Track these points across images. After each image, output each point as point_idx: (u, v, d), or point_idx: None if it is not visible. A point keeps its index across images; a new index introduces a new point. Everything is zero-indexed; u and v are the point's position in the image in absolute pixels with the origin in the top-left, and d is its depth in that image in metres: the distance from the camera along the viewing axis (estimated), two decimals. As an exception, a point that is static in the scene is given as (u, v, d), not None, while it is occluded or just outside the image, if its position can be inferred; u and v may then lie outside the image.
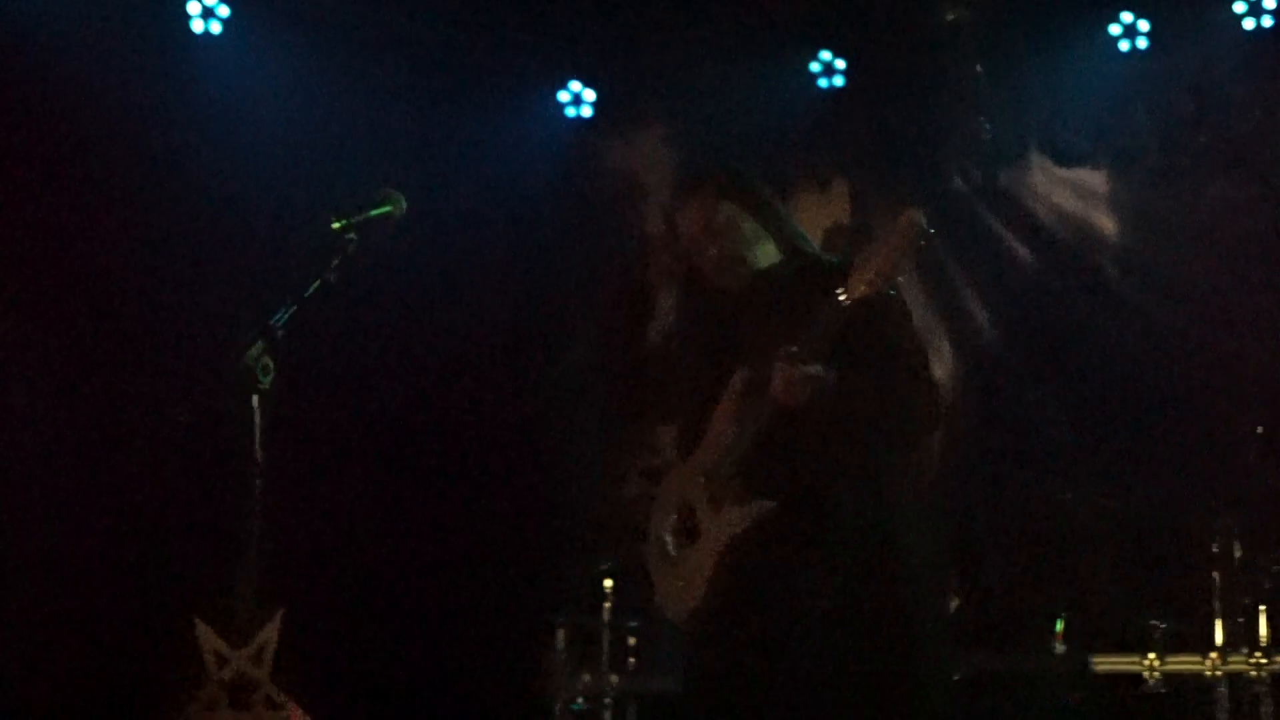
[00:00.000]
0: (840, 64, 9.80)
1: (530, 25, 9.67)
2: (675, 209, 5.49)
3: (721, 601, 5.11)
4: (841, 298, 4.81)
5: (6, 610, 8.34)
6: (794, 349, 4.89)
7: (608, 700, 8.04)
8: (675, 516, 5.30)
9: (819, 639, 4.99)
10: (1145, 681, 6.87)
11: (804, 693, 5.03)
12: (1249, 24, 9.14)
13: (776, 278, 5.30)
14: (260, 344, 4.83)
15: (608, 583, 8.06)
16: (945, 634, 7.12)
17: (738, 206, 5.34)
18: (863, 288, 4.78)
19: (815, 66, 9.81)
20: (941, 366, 9.08)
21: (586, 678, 8.01)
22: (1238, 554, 7.12)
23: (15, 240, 8.53)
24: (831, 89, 9.84)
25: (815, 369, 4.89)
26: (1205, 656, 6.80)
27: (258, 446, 4.84)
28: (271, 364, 4.82)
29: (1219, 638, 6.84)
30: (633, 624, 8.07)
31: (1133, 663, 6.93)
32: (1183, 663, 6.86)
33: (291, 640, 5.46)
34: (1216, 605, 6.89)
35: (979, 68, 9.41)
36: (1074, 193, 9.50)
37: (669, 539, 5.32)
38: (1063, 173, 9.55)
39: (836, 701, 4.99)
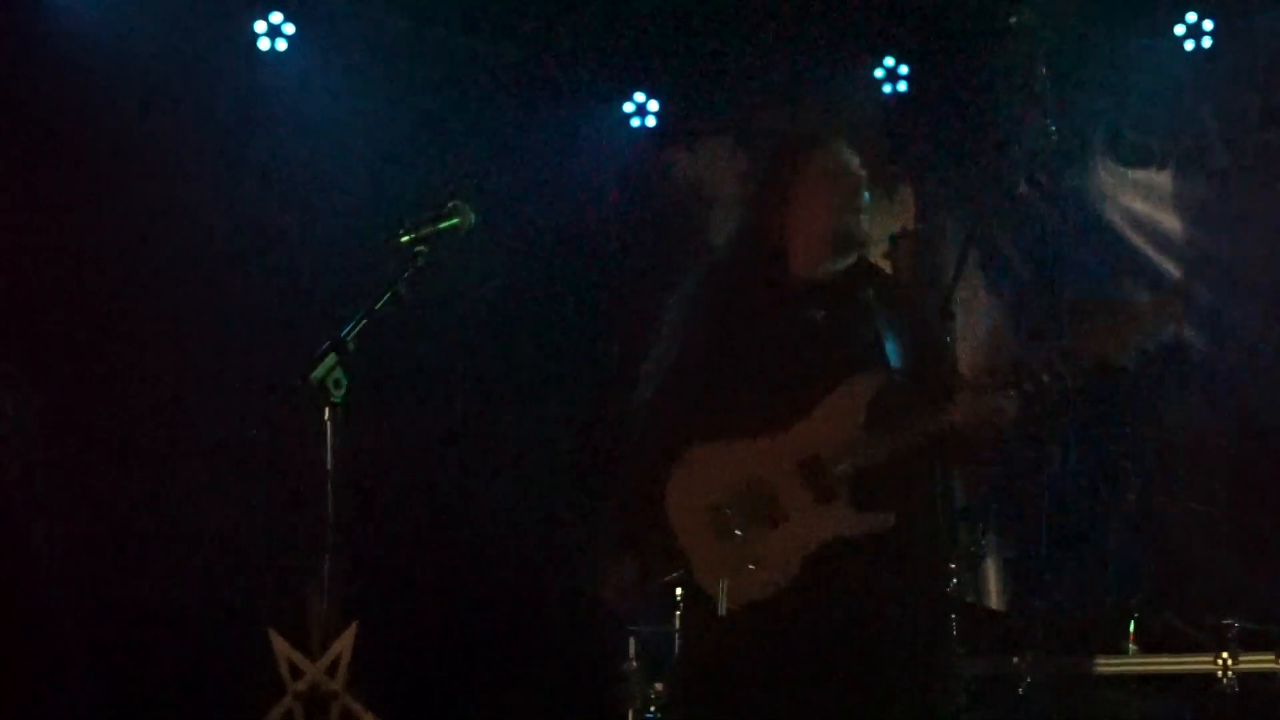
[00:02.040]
0: (904, 69, 9.80)
1: (593, 37, 9.71)
2: (794, 157, 5.39)
3: (801, 598, 5.06)
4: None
5: (82, 623, 8.42)
6: (988, 381, 4.88)
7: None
8: (742, 491, 5.20)
9: (885, 641, 4.99)
10: (1219, 681, 6.84)
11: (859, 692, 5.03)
12: (1314, 21, 9.11)
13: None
14: (331, 357, 4.88)
15: (679, 591, 8.05)
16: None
17: (860, 165, 5.26)
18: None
19: (879, 72, 9.82)
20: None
21: (659, 686, 8.00)
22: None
23: (84, 255, 8.61)
24: (896, 94, 9.84)
25: (1004, 402, 4.89)
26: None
27: (330, 459, 4.89)
28: (343, 377, 4.87)
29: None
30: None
31: (1206, 663, 6.89)
32: (1257, 662, 6.82)
33: (366, 652, 5.48)
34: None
35: (1043, 70, 9.38)
36: (1140, 194, 9.48)
37: (730, 512, 5.23)
38: (1129, 174, 9.53)
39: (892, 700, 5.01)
